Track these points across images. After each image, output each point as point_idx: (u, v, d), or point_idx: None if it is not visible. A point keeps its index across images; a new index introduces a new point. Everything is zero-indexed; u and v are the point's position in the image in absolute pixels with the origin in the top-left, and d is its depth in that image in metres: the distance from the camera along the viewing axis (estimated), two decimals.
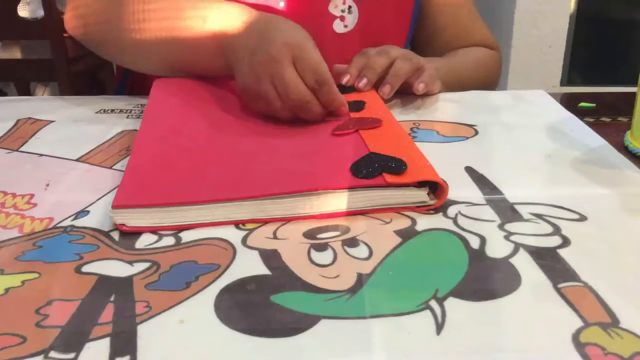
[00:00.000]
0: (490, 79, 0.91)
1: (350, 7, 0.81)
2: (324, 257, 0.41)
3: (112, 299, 0.37)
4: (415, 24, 0.89)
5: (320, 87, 0.57)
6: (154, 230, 0.44)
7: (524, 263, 0.40)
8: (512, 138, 0.62)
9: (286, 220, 0.45)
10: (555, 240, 0.42)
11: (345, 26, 0.82)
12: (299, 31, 0.60)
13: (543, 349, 0.32)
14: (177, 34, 0.67)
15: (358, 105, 0.62)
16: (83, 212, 0.47)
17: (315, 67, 0.57)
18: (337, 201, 0.45)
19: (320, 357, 0.32)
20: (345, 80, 0.68)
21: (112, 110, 0.70)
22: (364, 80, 0.67)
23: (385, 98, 0.66)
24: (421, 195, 0.46)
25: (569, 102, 0.74)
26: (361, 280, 0.38)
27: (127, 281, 0.38)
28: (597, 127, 0.64)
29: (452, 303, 0.36)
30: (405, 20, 0.87)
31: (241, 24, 0.63)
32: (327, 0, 0.80)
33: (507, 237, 0.43)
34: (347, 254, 0.41)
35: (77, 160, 0.57)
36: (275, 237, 0.43)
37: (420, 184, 0.46)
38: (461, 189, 0.50)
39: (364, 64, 0.68)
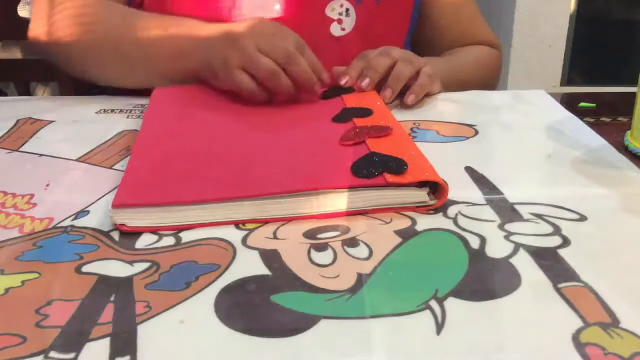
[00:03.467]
0: (490, 78, 0.91)
1: (347, 9, 0.81)
2: (324, 257, 0.41)
3: (112, 299, 0.37)
4: (415, 25, 0.89)
5: (287, 63, 0.63)
6: (154, 230, 0.44)
7: (524, 263, 0.40)
8: (512, 138, 0.62)
9: (286, 220, 0.45)
10: (555, 240, 0.42)
11: (343, 29, 0.82)
12: (267, 23, 0.66)
13: (543, 349, 0.32)
14: (155, 37, 0.70)
15: (365, 112, 0.61)
16: (83, 212, 0.47)
17: (279, 46, 0.63)
18: (338, 201, 0.45)
19: (320, 357, 0.32)
20: (344, 81, 0.68)
21: (112, 110, 0.70)
22: (367, 80, 0.67)
23: (386, 102, 0.66)
24: (421, 195, 0.46)
25: (569, 102, 0.74)
26: (361, 280, 0.38)
27: (127, 281, 0.38)
28: (597, 127, 0.64)
29: (452, 303, 0.36)
30: (404, 22, 0.87)
31: (210, 28, 0.68)
32: (324, 4, 0.80)
33: (507, 237, 0.43)
34: (347, 254, 0.41)
35: (77, 160, 0.57)
36: (275, 237, 0.43)
37: (420, 184, 0.46)
38: (461, 189, 0.50)
39: (364, 65, 0.68)
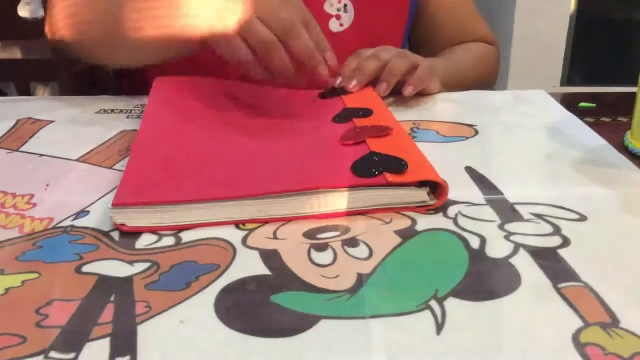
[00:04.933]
0: (489, 75, 0.91)
1: (345, 5, 0.81)
2: (324, 257, 0.41)
3: (112, 299, 0.37)
4: (413, 21, 0.89)
5: (286, 35, 0.59)
6: (154, 230, 0.44)
7: (524, 263, 0.40)
8: (512, 138, 0.62)
9: (286, 220, 0.45)
10: (555, 240, 0.42)
11: (341, 25, 0.82)
12: None
13: (543, 349, 0.32)
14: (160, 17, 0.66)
15: (365, 112, 0.61)
16: (83, 212, 0.47)
17: (280, 17, 0.59)
18: (338, 200, 0.45)
19: (320, 357, 0.32)
20: (337, 82, 0.68)
21: (112, 110, 0.70)
22: (354, 82, 0.67)
23: (381, 95, 0.67)
24: (421, 195, 0.46)
25: (569, 102, 0.74)
26: (361, 280, 0.38)
27: (127, 281, 0.38)
28: (597, 127, 0.64)
29: (452, 303, 0.36)
30: (402, 18, 0.87)
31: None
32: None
33: (507, 237, 0.43)
34: (347, 254, 0.41)
35: (77, 160, 0.57)
36: (275, 237, 0.43)
37: (420, 184, 0.46)
38: (461, 189, 0.50)
39: (355, 66, 0.69)
